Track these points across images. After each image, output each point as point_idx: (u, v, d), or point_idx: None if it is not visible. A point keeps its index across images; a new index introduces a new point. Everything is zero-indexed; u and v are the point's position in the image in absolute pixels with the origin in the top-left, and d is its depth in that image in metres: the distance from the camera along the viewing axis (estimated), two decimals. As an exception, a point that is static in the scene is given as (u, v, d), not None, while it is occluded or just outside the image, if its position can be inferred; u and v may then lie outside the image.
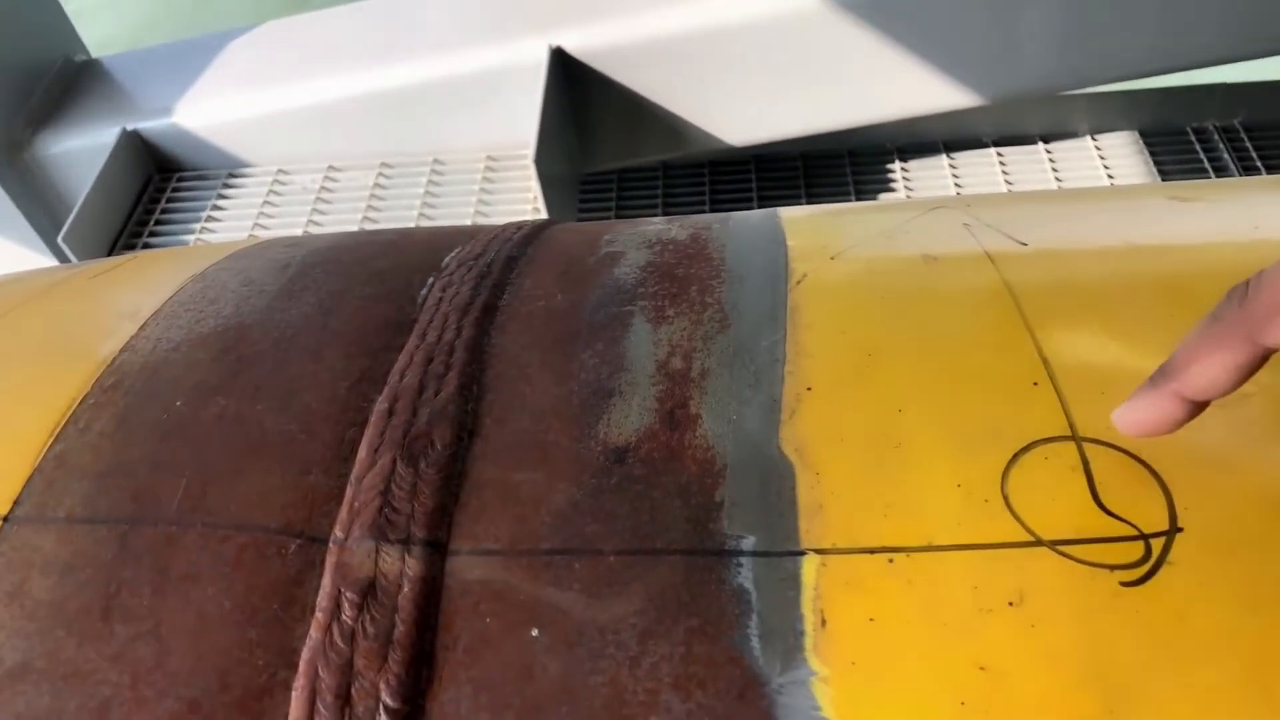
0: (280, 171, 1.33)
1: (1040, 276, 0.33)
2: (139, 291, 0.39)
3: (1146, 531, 0.25)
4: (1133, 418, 0.26)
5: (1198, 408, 0.25)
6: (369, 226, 1.25)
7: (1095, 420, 0.27)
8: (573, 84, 1.25)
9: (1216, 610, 0.23)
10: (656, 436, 0.29)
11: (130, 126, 1.30)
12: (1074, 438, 0.27)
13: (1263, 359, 0.23)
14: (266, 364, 0.33)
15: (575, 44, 1.23)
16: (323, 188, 1.30)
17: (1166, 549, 0.24)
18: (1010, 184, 1.27)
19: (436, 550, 0.27)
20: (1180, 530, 0.25)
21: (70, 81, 1.38)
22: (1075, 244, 0.35)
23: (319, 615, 0.26)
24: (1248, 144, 1.25)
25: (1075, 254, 0.34)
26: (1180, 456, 0.26)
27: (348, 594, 0.26)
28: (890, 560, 0.25)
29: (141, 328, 0.36)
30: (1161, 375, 0.25)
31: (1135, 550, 0.24)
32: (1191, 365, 0.24)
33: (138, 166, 1.31)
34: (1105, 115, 1.31)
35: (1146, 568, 0.24)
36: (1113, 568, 0.24)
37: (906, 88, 1.24)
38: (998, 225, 0.37)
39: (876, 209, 0.46)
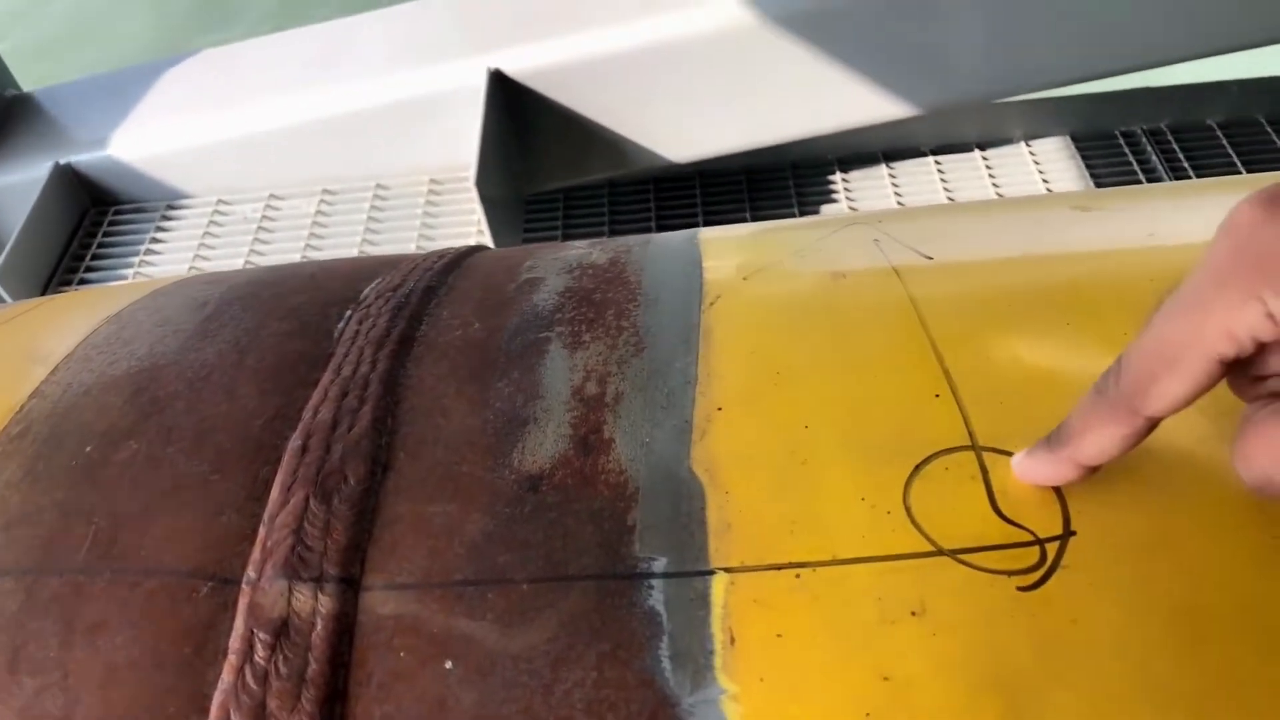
0: (220, 201, 1.32)
1: (944, 290, 0.34)
2: (52, 335, 0.38)
3: (1042, 536, 0.25)
4: (1032, 475, 0.27)
5: (1091, 470, 0.26)
6: (312, 254, 1.24)
7: (994, 429, 0.28)
8: (513, 105, 1.26)
9: (1108, 613, 0.24)
10: (570, 463, 0.29)
11: (63, 160, 1.28)
12: (974, 447, 0.28)
13: (1151, 427, 0.25)
14: (179, 405, 0.32)
15: (513, 66, 1.23)
16: (264, 217, 1.29)
17: (1060, 553, 0.25)
18: (949, 191, 1.29)
19: (349, 587, 0.27)
20: (1074, 534, 0.25)
21: (1, 116, 1.36)
22: (978, 256, 0.36)
23: (231, 658, 0.26)
24: (1174, 145, 1.28)
25: (978, 266, 0.35)
26: None
27: (260, 635, 0.26)
28: (797, 575, 0.26)
29: (52, 372, 0.35)
30: (1058, 440, 0.26)
31: (1031, 555, 0.25)
32: (1085, 436, 0.25)
33: (72, 201, 1.29)
34: (1038, 121, 1.35)
35: (1041, 572, 0.25)
36: (1010, 573, 0.25)
37: (844, 100, 1.26)
38: (906, 240, 0.37)
39: (793, 227, 0.47)
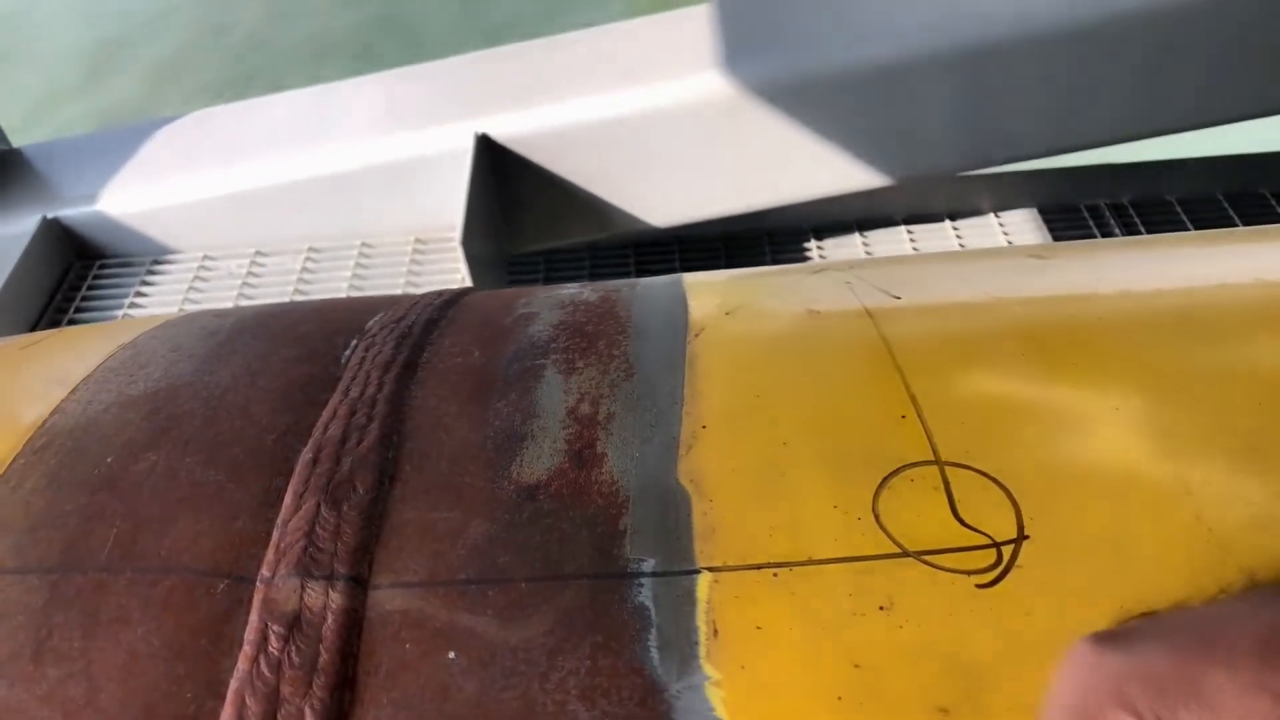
0: (206, 257, 1.34)
1: (910, 324, 0.37)
2: (69, 359, 0.40)
3: (998, 540, 0.28)
4: None
5: None
6: (297, 309, 1.26)
7: (956, 446, 0.31)
8: (499, 168, 1.30)
9: (1059, 605, 0.26)
10: (566, 474, 0.31)
11: (50, 214, 1.30)
12: (937, 462, 0.30)
13: None
14: (196, 421, 0.34)
15: (500, 130, 1.27)
16: (249, 273, 1.31)
17: (1015, 554, 0.27)
18: (918, 258, 1.33)
19: (358, 584, 0.29)
20: (1027, 538, 0.28)
21: (-9, 171, 1.38)
22: (942, 297, 0.39)
23: (246, 648, 0.27)
24: (1135, 219, 1.34)
25: (941, 305, 0.38)
26: (1030, 475, 0.29)
27: (274, 627, 0.28)
28: (775, 574, 0.28)
29: (72, 392, 0.37)
30: None
31: (989, 557, 0.27)
32: None
33: (57, 254, 1.31)
34: (1006, 194, 1.40)
35: (998, 571, 0.27)
36: (970, 573, 0.27)
37: (819, 170, 1.31)
38: (876, 283, 0.40)
39: (771, 272, 0.50)
